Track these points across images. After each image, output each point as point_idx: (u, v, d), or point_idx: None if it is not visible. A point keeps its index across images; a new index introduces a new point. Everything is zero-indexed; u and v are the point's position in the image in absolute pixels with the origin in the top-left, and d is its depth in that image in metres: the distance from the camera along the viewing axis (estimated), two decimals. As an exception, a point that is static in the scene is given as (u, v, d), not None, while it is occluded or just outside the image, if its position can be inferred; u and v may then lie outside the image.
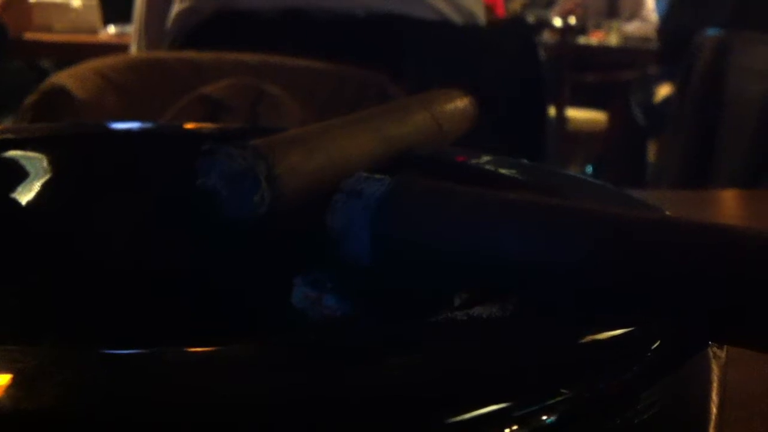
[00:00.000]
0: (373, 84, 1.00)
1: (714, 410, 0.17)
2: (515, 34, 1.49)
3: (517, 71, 1.25)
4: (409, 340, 0.15)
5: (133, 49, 1.22)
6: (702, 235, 0.16)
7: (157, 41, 1.16)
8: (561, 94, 2.71)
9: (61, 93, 0.93)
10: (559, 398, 0.14)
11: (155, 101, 0.98)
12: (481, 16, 1.29)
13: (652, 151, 2.75)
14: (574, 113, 2.87)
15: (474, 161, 0.29)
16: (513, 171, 0.27)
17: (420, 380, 0.14)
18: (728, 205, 0.91)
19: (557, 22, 2.98)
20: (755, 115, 1.30)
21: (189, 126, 0.35)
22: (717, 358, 0.17)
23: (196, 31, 1.09)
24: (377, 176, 0.19)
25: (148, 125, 0.32)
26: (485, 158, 0.29)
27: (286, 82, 0.99)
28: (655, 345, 0.15)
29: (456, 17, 1.23)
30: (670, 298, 0.16)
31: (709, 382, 0.17)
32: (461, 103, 0.34)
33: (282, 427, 0.12)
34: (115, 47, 1.84)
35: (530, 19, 2.99)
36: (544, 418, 0.14)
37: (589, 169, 3.12)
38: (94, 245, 0.22)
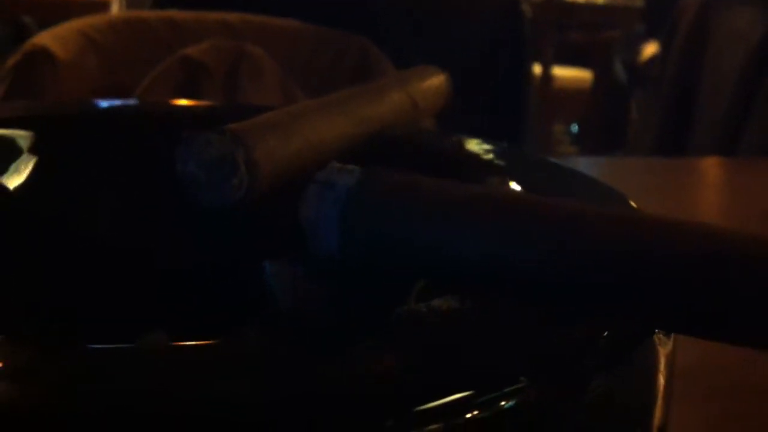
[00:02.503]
0: (354, 45, 1.00)
1: (662, 387, 0.18)
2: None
3: (500, 30, 1.25)
4: (374, 334, 0.16)
5: (114, 9, 1.21)
6: (659, 232, 0.17)
7: (138, 2, 1.15)
8: (546, 53, 2.69)
9: (42, 54, 0.93)
10: (518, 386, 0.15)
11: (136, 62, 0.97)
12: None
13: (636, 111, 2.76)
14: (559, 71, 2.86)
15: (448, 145, 0.29)
16: (489, 156, 0.28)
17: (388, 371, 0.15)
18: (708, 173, 0.91)
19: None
20: (735, 78, 1.31)
21: (174, 103, 0.36)
22: (663, 344, 0.18)
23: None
24: (349, 167, 0.19)
25: (133, 103, 0.32)
26: (460, 140, 0.30)
27: (268, 42, 0.98)
28: (604, 335, 0.17)
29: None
30: (624, 292, 0.17)
31: (656, 364, 0.18)
32: (436, 80, 0.34)
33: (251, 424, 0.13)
34: (97, 4, 1.82)
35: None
36: (503, 403, 0.15)
37: (575, 127, 3.12)
38: (73, 231, 0.22)
